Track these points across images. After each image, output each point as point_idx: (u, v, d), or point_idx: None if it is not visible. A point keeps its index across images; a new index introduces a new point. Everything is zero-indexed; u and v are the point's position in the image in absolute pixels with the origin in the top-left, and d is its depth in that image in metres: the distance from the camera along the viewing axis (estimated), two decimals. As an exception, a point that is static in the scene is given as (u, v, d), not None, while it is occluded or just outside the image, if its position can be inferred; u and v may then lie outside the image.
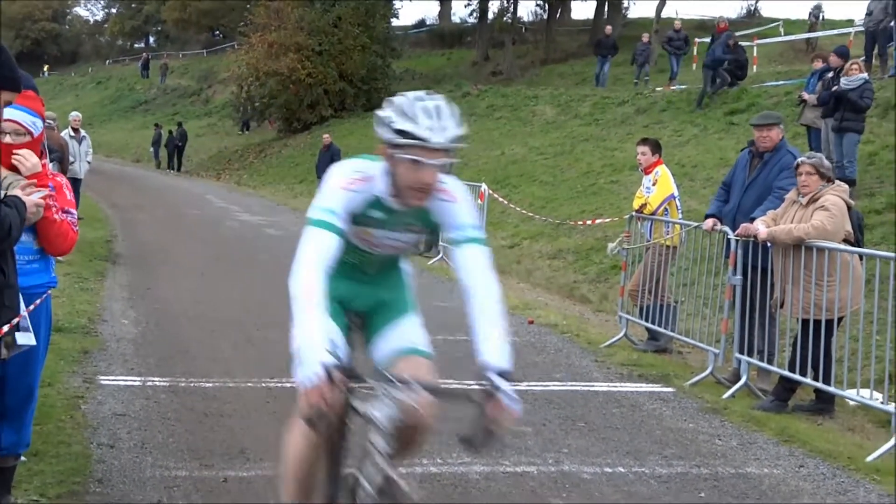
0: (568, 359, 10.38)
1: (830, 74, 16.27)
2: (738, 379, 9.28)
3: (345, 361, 4.11)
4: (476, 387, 4.03)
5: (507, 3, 49.99)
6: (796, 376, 8.58)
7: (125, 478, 6.00)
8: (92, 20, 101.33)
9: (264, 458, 6.52)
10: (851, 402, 8.70)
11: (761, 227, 8.92)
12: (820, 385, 8.44)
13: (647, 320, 11.12)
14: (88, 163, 20.10)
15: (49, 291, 5.46)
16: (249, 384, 8.51)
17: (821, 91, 16.31)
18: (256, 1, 46.25)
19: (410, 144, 3.91)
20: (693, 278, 10.95)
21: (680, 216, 11.50)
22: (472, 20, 55.82)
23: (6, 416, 5.24)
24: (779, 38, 36.72)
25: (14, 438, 5.31)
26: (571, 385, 9.23)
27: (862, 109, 15.34)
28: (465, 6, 57.39)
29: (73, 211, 5.38)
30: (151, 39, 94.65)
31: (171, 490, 5.87)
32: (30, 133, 5.13)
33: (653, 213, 11.22)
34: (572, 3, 58.24)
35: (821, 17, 35.00)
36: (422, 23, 67.75)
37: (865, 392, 8.36)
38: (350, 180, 4.13)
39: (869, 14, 22.51)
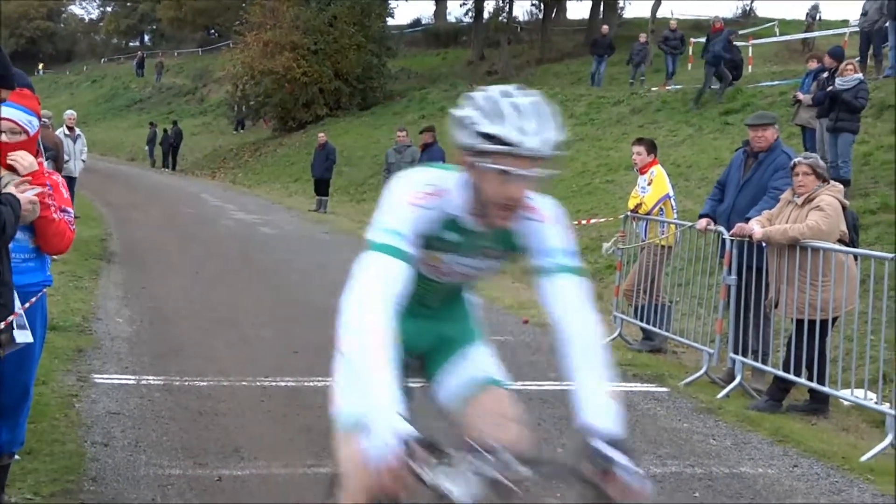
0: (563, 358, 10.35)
1: (825, 75, 16.30)
2: (733, 379, 9.29)
3: (422, 433, 3.12)
4: (582, 458, 3.30)
5: (503, 2, 50.01)
6: (790, 376, 8.59)
7: (119, 476, 6.00)
8: (87, 18, 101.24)
9: (258, 456, 6.52)
10: (845, 402, 8.71)
11: (756, 227, 8.93)
12: (814, 385, 8.45)
13: (641, 320, 11.12)
14: (83, 161, 20.09)
15: (44, 290, 5.45)
16: (244, 383, 8.51)
17: (816, 91, 16.33)
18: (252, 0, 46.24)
19: (499, 151, 3.18)
20: (688, 278, 10.96)
21: (675, 216, 11.51)
22: (467, 19, 55.83)
23: (1, 414, 5.24)
24: (774, 39, 36.75)
25: (8, 437, 5.30)
26: (566, 385, 9.17)
27: (857, 110, 15.36)
28: (461, 5, 57.61)
29: (70, 210, 5.37)
30: (146, 38, 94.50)
31: (165, 488, 5.87)
32: (26, 132, 5.13)
33: (648, 213, 11.23)
34: (568, 2, 58.36)
35: (817, 18, 35.01)
36: (417, 22, 67.72)
37: (859, 392, 8.37)
38: (420, 194, 3.38)
39: (864, 14, 22.53)
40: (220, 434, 7.02)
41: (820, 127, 16.14)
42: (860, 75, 15.80)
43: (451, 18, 64.16)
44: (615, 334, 11.31)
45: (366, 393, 3.10)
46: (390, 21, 51.31)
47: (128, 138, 54.65)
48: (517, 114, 3.21)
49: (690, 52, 33.52)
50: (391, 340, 3.13)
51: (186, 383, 8.39)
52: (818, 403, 8.68)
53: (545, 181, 3.39)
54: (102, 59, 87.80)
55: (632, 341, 11.36)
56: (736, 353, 9.37)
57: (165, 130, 45.86)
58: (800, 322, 8.51)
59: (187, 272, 14.89)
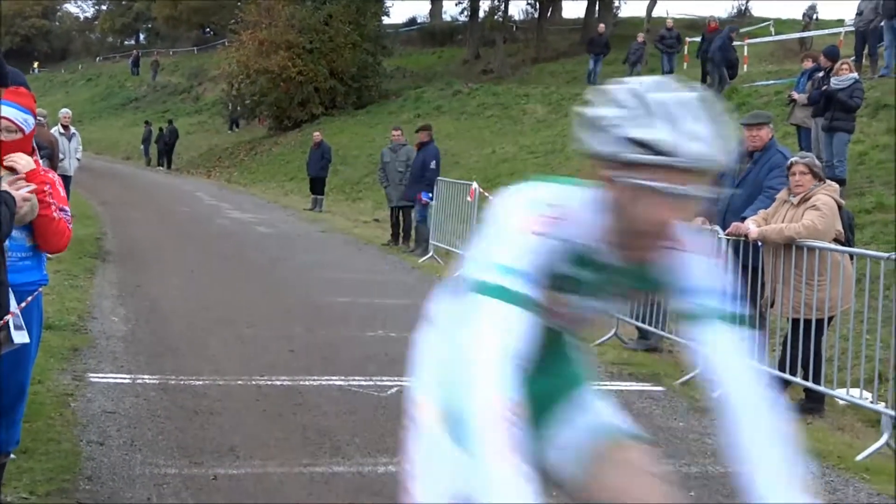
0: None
1: (821, 74, 16.31)
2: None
3: None
4: None
5: (498, 1, 49.95)
6: (786, 375, 8.59)
7: (115, 475, 5.99)
8: (82, 17, 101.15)
9: (254, 455, 6.52)
10: (841, 402, 8.71)
11: (752, 226, 8.93)
12: (810, 384, 8.45)
13: (637, 319, 11.12)
14: (78, 160, 20.06)
15: (40, 289, 5.44)
16: (239, 382, 8.50)
17: (811, 90, 16.34)
18: (247, -2, 46.25)
19: (655, 163, 2.43)
20: (683, 277, 10.94)
21: (671, 215, 11.49)
22: (462, 18, 55.76)
23: (-4, 413, 5.23)
24: (769, 38, 36.76)
25: (4, 436, 5.29)
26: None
27: (852, 109, 15.38)
28: (456, 4, 57.33)
29: (67, 208, 5.37)
30: (142, 37, 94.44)
31: (160, 487, 5.86)
32: (21, 130, 5.12)
33: (643, 212, 11.21)
34: (563, 1, 58.31)
35: (814, 18, 35.03)
36: (413, 21, 67.70)
37: (855, 391, 8.38)
38: (540, 219, 2.58)
39: (859, 14, 22.57)
40: (215, 433, 7.01)
41: (815, 126, 16.16)
42: (855, 74, 15.81)
43: (446, 17, 64.19)
44: (611, 333, 11.31)
45: (491, 487, 2.29)
46: (386, 20, 51.29)
47: (123, 137, 54.63)
48: (678, 113, 2.45)
49: (686, 52, 33.51)
50: (521, 419, 2.37)
51: (182, 382, 8.38)
52: (814, 403, 8.69)
53: (713, 202, 2.48)
54: (98, 58, 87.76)
55: (627, 340, 11.35)
56: (731, 352, 9.35)
57: (161, 129, 45.85)
58: (795, 321, 8.51)
59: (183, 271, 14.88)
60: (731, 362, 2.79)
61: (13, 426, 5.36)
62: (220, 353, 9.61)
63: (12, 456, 5.69)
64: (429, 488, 2.75)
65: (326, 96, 42.45)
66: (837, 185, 9.21)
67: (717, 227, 9.64)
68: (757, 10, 53.20)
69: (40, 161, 5.43)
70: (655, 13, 46.91)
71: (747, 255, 9.15)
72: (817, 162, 8.93)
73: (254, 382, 8.50)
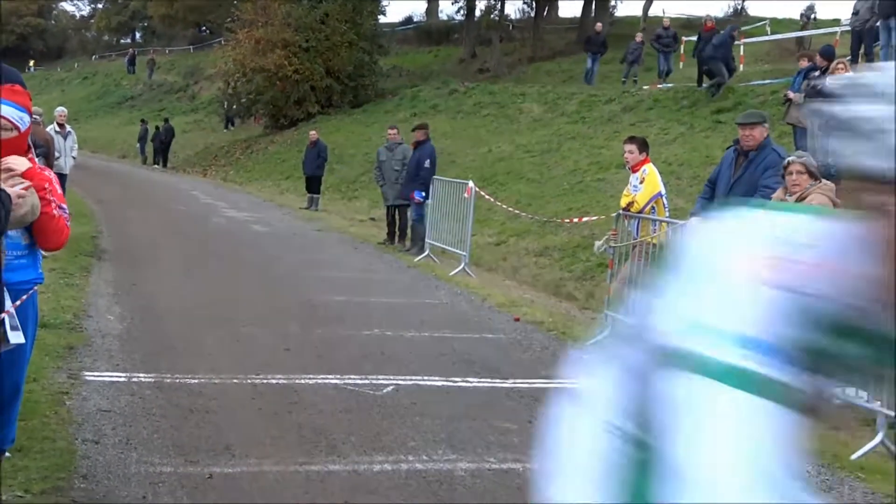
0: (554, 356, 10.38)
1: (817, 73, 16.32)
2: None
3: None
4: None
5: (495, 0, 50.01)
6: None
7: (110, 474, 5.98)
8: (78, 15, 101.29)
9: (250, 454, 6.51)
10: (836, 401, 8.70)
11: (748, 225, 8.92)
12: (805, 383, 8.45)
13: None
14: (74, 158, 20.07)
15: (35, 287, 5.44)
16: (235, 380, 8.49)
17: (806, 90, 16.35)
18: (243, -3, 46.23)
19: None
20: (679, 276, 10.95)
21: (667, 214, 11.52)
22: (459, 17, 55.86)
23: (-9, 412, 5.23)
24: (765, 37, 36.78)
25: (-1, 434, 5.30)
26: (558, 383, 9.22)
27: (848, 108, 15.37)
28: (453, 3, 57.57)
29: (65, 206, 5.37)
30: (138, 35, 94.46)
31: (156, 486, 5.86)
32: (17, 128, 5.11)
33: (640, 212, 11.23)
34: (560, 0, 58.36)
35: (812, 18, 35.03)
36: (409, 20, 67.80)
37: (850, 390, 8.38)
38: (783, 264, 1.76)
39: (855, 14, 22.60)
40: (211, 431, 7.00)
41: (811, 126, 16.16)
42: (851, 74, 15.80)
43: (442, 16, 64.34)
44: (607, 332, 11.31)
45: None
46: (382, 19, 51.41)
47: (119, 135, 54.59)
48: None
49: (682, 51, 33.51)
50: None
51: (177, 381, 8.37)
52: (809, 401, 8.68)
53: None
54: (93, 56, 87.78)
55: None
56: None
57: (157, 127, 45.82)
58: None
59: (178, 269, 14.87)
60: None
61: (8, 425, 5.36)
62: (216, 351, 9.61)
63: (7, 454, 5.70)
64: None
65: (323, 95, 42.43)
66: (833, 185, 9.20)
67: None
68: (753, 9, 53.30)
69: (36, 159, 5.43)
70: (651, 12, 46.92)
71: (743, 255, 9.13)
72: (813, 161, 8.93)
73: (249, 381, 8.50)
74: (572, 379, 2.11)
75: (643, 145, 11.70)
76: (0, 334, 4.69)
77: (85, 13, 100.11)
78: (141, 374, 8.50)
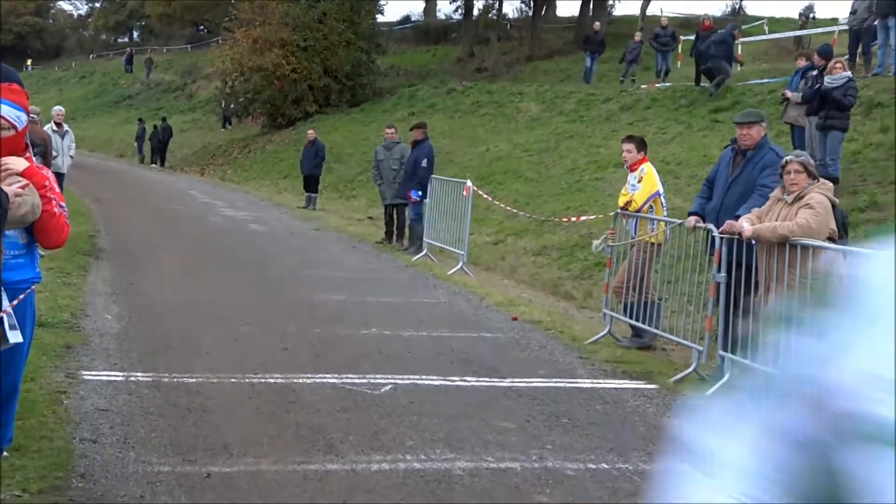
0: (552, 355, 10.38)
1: (814, 73, 16.32)
2: (722, 376, 9.30)
3: None
4: None
5: (492, -1, 50.06)
6: (780, 373, 8.59)
7: (108, 473, 5.98)
8: (76, 14, 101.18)
9: (247, 453, 6.51)
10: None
11: (746, 224, 8.94)
12: (803, 382, 8.45)
13: (631, 317, 11.13)
14: (71, 157, 20.05)
15: (33, 287, 5.43)
16: (233, 380, 8.49)
17: (804, 89, 16.36)
18: (241, -4, 46.22)
19: None
20: (677, 275, 10.98)
21: (665, 213, 11.52)
22: (457, 16, 55.84)
23: (-11, 411, 5.23)
24: (763, 37, 36.80)
25: (-4, 434, 5.29)
26: (555, 381, 9.23)
27: (846, 107, 15.39)
28: (451, 3, 57.41)
29: (63, 204, 5.37)
30: (135, 34, 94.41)
31: (153, 485, 5.85)
32: (14, 127, 5.11)
33: (638, 211, 11.23)
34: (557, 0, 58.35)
35: (811, 17, 35.02)
36: (407, 19, 67.84)
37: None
38: None
39: (853, 13, 22.59)
40: (208, 431, 7.00)
41: (809, 125, 16.17)
42: (849, 73, 15.83)
43: (440, 15, 64.38)
44: (604, 332, 11.31)
45: None
46: (380, 18, 51.33)
47: (117, 134, 54.56)
48: None
49: (680, 50, 33.51)
50: None
51: (175, 380, 8.37)
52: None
53: None
54: (91, 55, 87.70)
55: (621, 338, 11.36)
56: (725, 350, 9.39)
57: (155, 126, 45.77)
58: (789, 319, 8.50)
59: (176, 269, 14.87)
60: None
61: (6, 424, 5.36)
62: (214, 350, 9.61)
63: (5, 454, 5.69)
64: None
65: (320, 94, 42.41)
66: (831, 184, 9.21)
67: (711, 226, 9.65)
68: (751, 8, 53.31)
69: (34, 158, 5.43)
70: (649, 11, 46.90)
71: (741, 254, 9.16)
72: (811, 160, 8.94)
73: (247, 380, 8.49)
74: (688, 434, 1.79)
75: (641, 144, 11.71)
76: (-1, 333, 4.69)
77: (83, 12, 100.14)
78: (139, 374, 8.50)
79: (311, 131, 29.20)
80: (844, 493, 1.44)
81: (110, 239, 18.16)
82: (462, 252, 16.31)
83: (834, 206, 8.73)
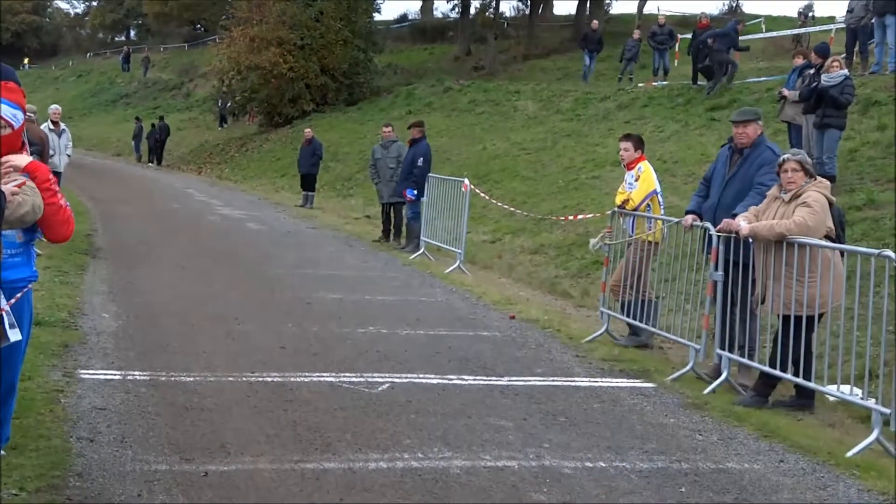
0: (549, 354, 10.38)
1: (811, 71, 16.33)
2: (719, 374, 9.30)
3: None
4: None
5: (489, -3, 50.02)
6: (777, 372, 8.61)
7: (105, 472, 5.97)
8: (73, 13, 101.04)
9: (245, 452, 6.51)
10: (831, 398, 8.73)
11: (743, 223, 8.94)
12: (800, 381, 8.46)
13: (628, 316, 11.13)
14: (68, 156, 20.04)
15: (30, 285, 5.43)
16: (230, 378, 8.49)
17: (801, 87, 16.36)
18: (238, -5, 46.14)
19: None
20: (674, 274, 10.97)
21: (662, 212, 11.52)
22: (454, 15, 55.82)
23: (-14, 410, 5.22)
24: (760, 35, 36.80)
25: (-7, 433, 5.29)
26: (552, 380, 9.23)
27: (843, 106, 15.40)
28: (447, 1, 57.47)
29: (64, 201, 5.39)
30: (132, 33, 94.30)
31: (151, 484, 5.85)
32: (10, 125, 5.11)
33: (635, 209, 11.23)
34: (554, -2, 58.31)
35: (810, 16, 35.02)
36: (404, 17, 67.80)
37: (845, 388, 8.39)
38: None
39: (850, 11, 22.62)
40: (206, 429, 7.00)
41: (806, 123, 16.18)
42: (846, 71, 15.83)
43: (437, 14, 64.39)
44: (602, 330, 11.32)
45: None
46: (377, 16, 51.32)
47: (114, 133, 54.53)
48: None
49: (677, 49, 33.49)
50: None
51: (172, 379, 8.37)
52: (804, 399, 8.71)
53: None
54: (88, 54, 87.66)
55: (618, 337, 11.37)
56: (722, 348, 9.39)
57: (152, 125, 45.73)
58: (786, 318, 8.52)
59: (173, 267, 14.86)
60: None
61: (3, 423, 5.36)
62: (211, 349, 9.60)
63: (2, 452, 5.69)
64: None
65: (317, 93, 42.41)
66: (828, 182, 9.21)
67: (708, 224, 9.65)
68: (748, 7, 53.30)
69: (31, 157, 5.42)
70: (646, 10, 46.91)
71: (738, 252, 9.16)
72: (808, 159, 8.94)
73: (244, 379, 8.49)
74: None
75: (639, 143, 11.71)
76: (-1, 332, 4.69)
77: (79, 11, 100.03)
78: (136, 372, 8.49)
79: (308, 130, 29.23)
80: None
81: (107, 238, 18.15)
82: (459, 251, 16.31)
83: (831, 204, 8.73)
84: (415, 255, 17.53)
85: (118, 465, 6.12)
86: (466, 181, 16.52)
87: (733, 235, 9.13)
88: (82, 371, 8.38)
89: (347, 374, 8.79)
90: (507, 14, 56.26)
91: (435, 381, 8.82)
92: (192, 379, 8.39)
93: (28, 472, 5.79)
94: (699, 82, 25.90)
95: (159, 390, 7.98)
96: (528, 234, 18.56)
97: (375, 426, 7.29)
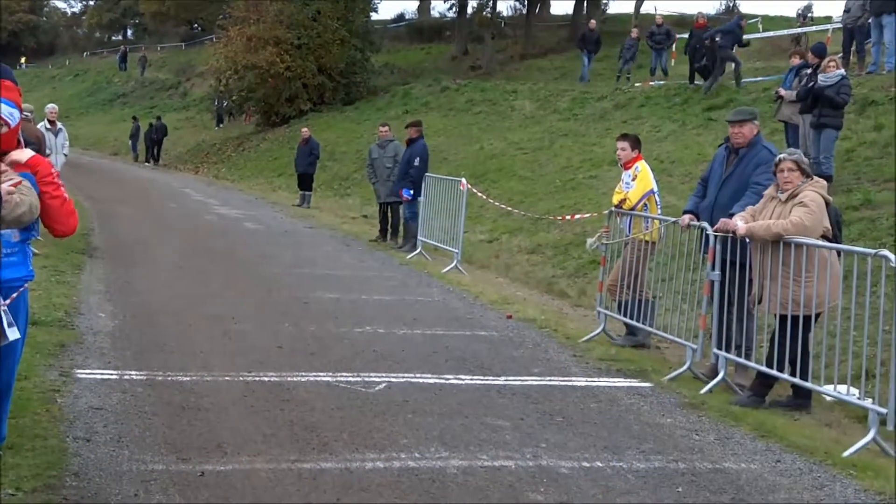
0: (546, 353, 10.38)
1: (808, 71, 16.33)
2: (716, 374, 9.30)
3: None
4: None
5: (486, -3, 50.02)
6: (774, 372, 8.61)
7: (101, 471, 5.97)
8: (69, 12, 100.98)
9: (242, 451, 6.51)
10: (828, 398, 8.74)
11: (740, 222, 8.94)
12: (797, 381, 8.47)
13: (625, 315, 11.13)
14: (65, 155, 20.02)
15: (26, 285, 5.42)
16: (227, 378, 8.49)
17: (798, 87, 16.36)
18: (235, -6, 46.12)
19: None
20: (671, 274, 10.97)
21: (659, 211, 11.52)
22: (451, 14, 55.80)
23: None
24: (757, 35, 36.78)
25: (-10, 432, 5.28)
26: (549, 380, 9.23)
27: (839, 106, 15.41)
28: (444, 1, 57.46)
29: None
30: (129, 32, 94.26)
31: (147, 484, 5.84)
32: (6, 123, 5.10)
33: (632, 209, 11.23)
34: (551, -2, 58.32)
35: (808, 17, 35.01)
36: (401, 17, 67.77)
37: (842, 388, 8.40)
38: None
39: (847, 11, 22.63)
40: (203, 429, 6.99)
41: (803, 123, 16.18)
42: (842, 71, 15.84)
43: (434, 13, 64.30)
44: (599, 330, 11.31)
45: None
46: (374, 16, 51.25)
47: (111, 133, 54.51)
48: None
49: (674, 48, 33.48)
50: None
51: (169, 378, 8.36)
52: (801, 399, 8.71)
53: None
54: (85, 53, 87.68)
55: (615, 336, 11.37)
56: (719, 348, 9.39)
57: (150, 125, 45.69)
58: (783, 318, 8.52)
59: (170, 267, 14.85)
60: None
61: (-1, 422, 5.34)
62: (208, 349, 9.59)
63: (-1, 452, 5.68)
64: None
65: (314, 92, 42.40)
66: (825, 182, 9.21)
67: (705, 224, 9.65)
68: (745, 7, 53.32)
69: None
70: (643, 10, 46.91)
71: (735, 252, 9.16)
72: (805, 158, 8.95)
73: (241, 378, 8.49)
74: None
75: (636, 142, 11.72)
76: (-2, 330, 4.69)
77: (76, 10, 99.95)
78: (133, 372, 8.49)
79: (305, 129, 29.24)
80: None
81: (104, 237, 18.14)
82: (456, 250, 16.31)
83: (828, 204, 8.73)
84: (412, 254, 17.54)
85: (115, 464, 6.12)
86: (464, 181, 16.51)
87: (730, 235, 9.13)
88: (79, 371, 8.38)
89: (344, 374, 8.79)
90: (504, 14, 56.28)
91: (432, 381, 8.82)
92: (188, 378, 8.39)
93: (24, 471, 5.79)
94: (696, 82, 25.90)
95: (156, 390, 7.97)
96: (526, 234, 18.56)
97: (372, 426, 7.29)
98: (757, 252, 8.85)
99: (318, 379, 8.63)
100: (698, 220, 9.94)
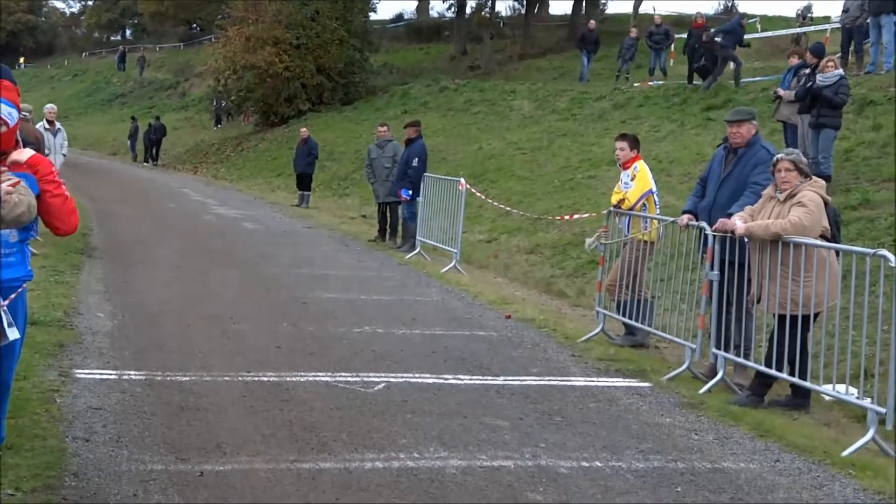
0: (545, 353, 10.38)
1: (807, 71, 16.33)
2: (715, 374, 9.30)
3: None
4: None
5: (485, -3, 50.04)
6: (772, 371, 8.61)
7: (100, 472, 5.97)
8: (68, 12, 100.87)
9: (240, 451, 6.50)
10: (827, 398, 8.74)
11: (738, 222, 8.94)
12: (796, 380, 8.47)
13: (624, 315, 11.13)
14: (64, 155, 20.01)
15: (24, 285, 5.42)
16: (226, 378, 8.48)
17: (796, 87, 16.36)
18: (234, -6, 46.12)
19: None
20: (670, 273, 10.97)
21: (658, 211, 11.52)
22: (449, 15, 55.82)
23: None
24: (756, 35, 36.79)
25: (-12, 432, 5.28)
26: (548, 379, 9.23)
27: (838, 106, 15.41)
28: (443, 1, 57.45)
29: None
30: (128, 32, 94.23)
31: (146, 484, 5.84)
32: (5, 123, 5.10)
33: (631, 209, 11.23)
34: (550, -2, 58.32)
35: (807, 17, 35.02)
36: (399, 17, 67.80)
37: (841, 387, 8.40)
38: None
39: (845, 11, 22.64)
40: (202, 429, 6.99)
41: (802, 123, 16.18)
42: (841, 71, 15.84)
43: (433, 13, 64.32)
44: (598, 329, 11.31)
45: None
46: (372, 16, 51.30)
47: (109, 133, 54.48)
48: None
49: (672, 48, 33.50)
50: None
51: (168, 378, 8.36)
52: (800, 398, 8.71)
53: None
54: (84, 53, 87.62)
55: (614, 336, 11.37)
56: (718, 348, 9.39)
57: (149, 125, 45.68)
58: (782, 317, 8.52)
59: (169, 267, 14.84)
60: None
61: (-2, 423, 5.34)
62: (207, 349, 9.59)
63: (-2, 452, 5.68)
64: None
65: (313, 92, 42.41)
66: (823, 182, 9.21)
67: (704, 224, 9.65)
68: (744, 6, 53.32)
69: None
70: (641, 10, 46.93)
71: (734, 252, 9.17)
72: (803, 158, 8.95)
73: (240, 378, 8.49)
74: None
75: (634, 142, 11.72)
76: (-1, 330, 4.69)
77: (75, 10, 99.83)
78: (132, 372, 8.48)
79: (304, 129, 29.23)
80: None
81: (103, 237, 18.13)
82: (455, 250, 16.31)
83: (826, 204, 8.73)
84: (411, 254, 17.54)
85: (114, 464, 6.11)
86: (462, 181, 16.51)
87: (729, 235, 9.13)
88: (78, 371, 8.37)
89: (343, 374, 8.79)
90: (503, 14, 56.33)
91: (431, 381, 8.82)
92: (187, 378, 8.39)
93: (23, 471, 5.78)
94: (695, 81, 25.91)
95: (155, 390, 7.97)
96: (524, 234, 18.56)
97: (371, 426, 7.29)
98: (756, 252, 8.85)
99: (317, 379, 8.63)
100: (697, 220, 9.94)
